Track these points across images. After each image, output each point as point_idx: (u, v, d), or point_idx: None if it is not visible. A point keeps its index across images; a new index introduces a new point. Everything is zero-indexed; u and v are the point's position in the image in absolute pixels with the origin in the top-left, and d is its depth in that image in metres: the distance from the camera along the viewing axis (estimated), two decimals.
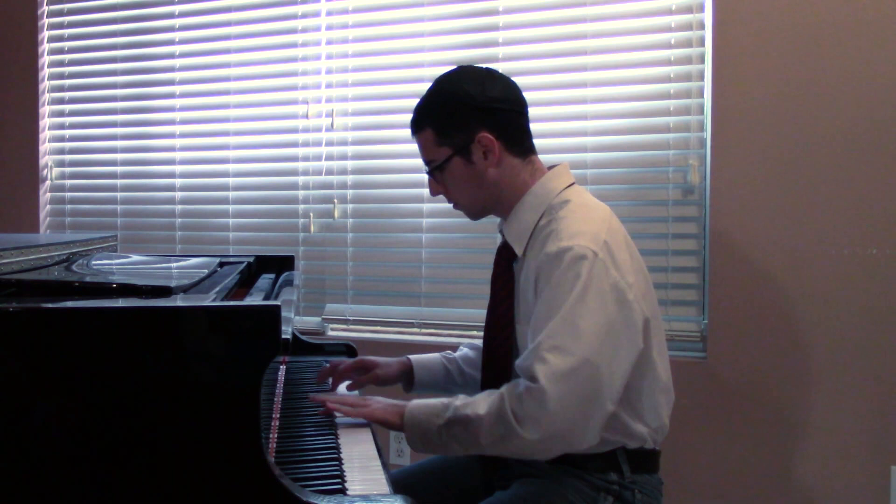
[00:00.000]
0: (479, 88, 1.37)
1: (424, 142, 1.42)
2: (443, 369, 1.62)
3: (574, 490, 1.33)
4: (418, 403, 1.30)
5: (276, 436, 1.27)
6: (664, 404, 1.36)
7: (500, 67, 2.29)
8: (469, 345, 1.66)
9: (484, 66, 1.45)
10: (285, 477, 0.96)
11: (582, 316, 1.21)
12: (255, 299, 1.37)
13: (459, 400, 1.27)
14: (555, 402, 1.17)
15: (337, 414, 1.38)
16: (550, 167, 1.43)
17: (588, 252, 1.24)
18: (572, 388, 1.18)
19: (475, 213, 1.47)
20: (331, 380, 1.63)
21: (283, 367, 1.64)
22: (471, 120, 1.36)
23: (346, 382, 1.63)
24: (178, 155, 2.79)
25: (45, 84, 2.95)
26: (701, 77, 2.17)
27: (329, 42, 2.59)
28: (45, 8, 2.94)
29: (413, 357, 1.62)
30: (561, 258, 1.25)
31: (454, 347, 1.69)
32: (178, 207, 2.79)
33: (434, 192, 1.46)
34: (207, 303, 1.09)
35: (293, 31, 2.61)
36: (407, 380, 1.62)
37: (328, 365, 1.65)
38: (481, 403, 1.24)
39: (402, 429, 1.29)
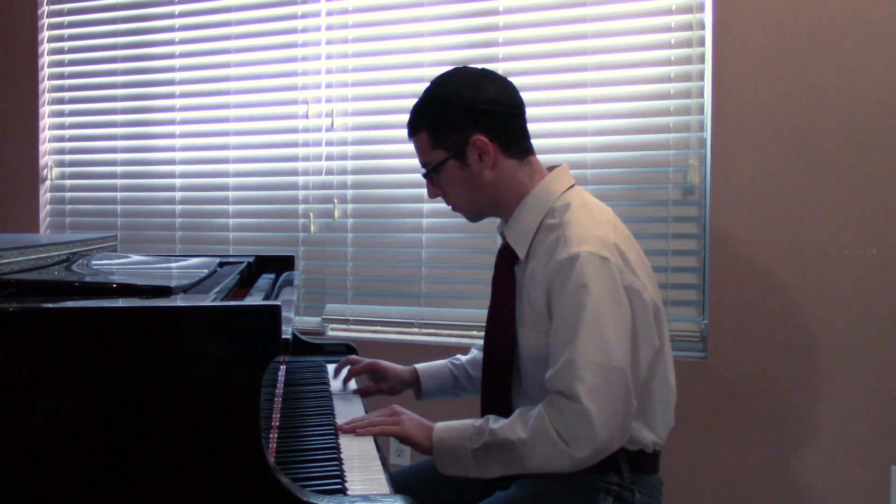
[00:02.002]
0: (473, 90, 1.36)
1: (420, 145, 1.41)
2: (450, 375, 1.62)
3: (574, 491, 1.33)
4: (445, 426, 1.30)
5: (276, 436, 1.27)
6: (671, 400, 1.37)
7: (499, 67, 2.32)
8: (479, 346, 1.65)
9: (481, 66, 1.44)
10: (285, 477, 0.96)
11: (606, 326, 1.22)
12: (255, 299, 1.37)
13: (491, 422, 1.27)
14: (598, 419, 1.18)
15: (337, 413, 1.37)
16: (550, 168, 1.43)
17: (599, 259, 1.24)
18: (611, 399, 1.20)
19: (473, 216, 1.47)
20: (345, 371, 1.65)
21: (283, 367, 1.64)
22: (465, 122, 1.36)
23: (354, 387, 1.64)
24: (178, 155, 2.79)
25: (45, 84, 2.95)
26: (701, 77, 2.17)
27: (329, 42, 2.59)
28: (45, 8, 2.94)
29: (420, 367, 1.64)
30: (572, 266, 1.24)
31: (454, 347, 1.69)
32: (178, 207, 2.79)
33: (432, 195, 1.46)
34: (207, 303, 1.09)
35: (293, 31, 2.61)
36: (416, 389, 1.63)
37: (343, 360, 1.68)
38: (518, 426, 1.24)
39: (431, 452, 1.30)
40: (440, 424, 1.31)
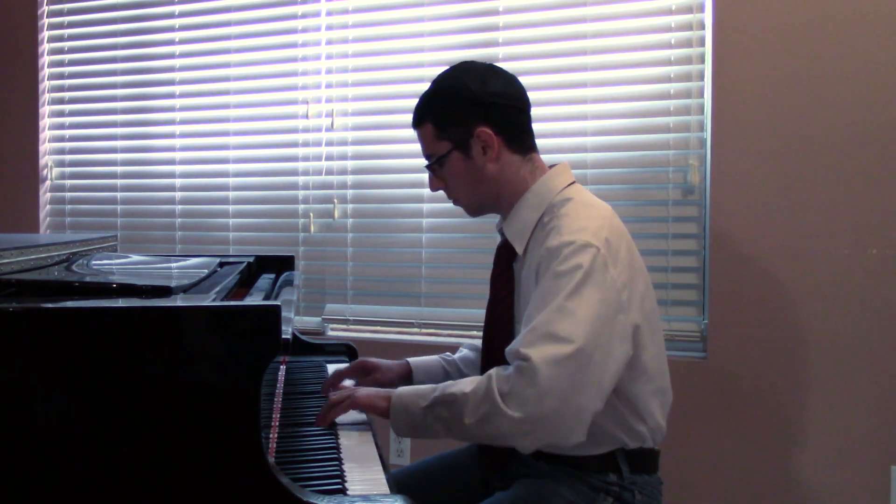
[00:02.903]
0: (480, 83, 1.37)
1: (425, 136, 1.42)
2: (442, 371, 1.62)
3: (573, 491, 1.33)
4: (406, 388, 1.30)
5: (276, 436, 1.27)
6: (657, 406, 1.35)
7: None
8: (469, 346, 1.66)
9: (488, 62, 1.44)
10: (285, 477, 0.96)
11: (579, 304, 1.19)
12: (255, 299, 1.37)
13: (448, 382, 1.25)
14: (545, 382, 1.13)
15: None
16: (551, 166, 1.43)
17: (589, 246, 1.23)
18: (564, 373, 1.15)
19: (474, 210, 1.47)
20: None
21: (283, 367, 1.64)
22: (470, 114, 1.36)
23: (350, 383, 1.64)
24: (178, 155, 2.79)
25: (45, 84, 2.95)
26: (701, 77, 2.17)
27: (329, 42, 2.59)
28: (45, 8, 2.94)
29: (412, 360, 1.63)
30: (561, 251, 1.24)
31: (454, 348, 1.69)
32: (178, 207, 2.79)
33: (434, 188, 1.46)
34: (207, 303, 1.09)
35: (293, 31, 2.61)
36: (407, 383, 1.63)
37: (331, 374, 1.66)
38: (468, 383, 1.22)
39: (388, 413, 1.27)
40: (402, 387, 1.31)
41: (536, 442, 1.19)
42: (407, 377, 1.62)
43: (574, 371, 1.16)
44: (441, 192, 1.46)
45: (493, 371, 1.20)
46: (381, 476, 1.13)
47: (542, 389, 1.14)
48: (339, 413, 1.32)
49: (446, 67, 1.45)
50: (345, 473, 1.12)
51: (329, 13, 2.58)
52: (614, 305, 1.23)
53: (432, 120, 1.40)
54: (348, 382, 1.66)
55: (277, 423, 1.34)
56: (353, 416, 1.37)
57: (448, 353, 1.65)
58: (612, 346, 1.22)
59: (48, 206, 2.97)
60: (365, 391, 1.32)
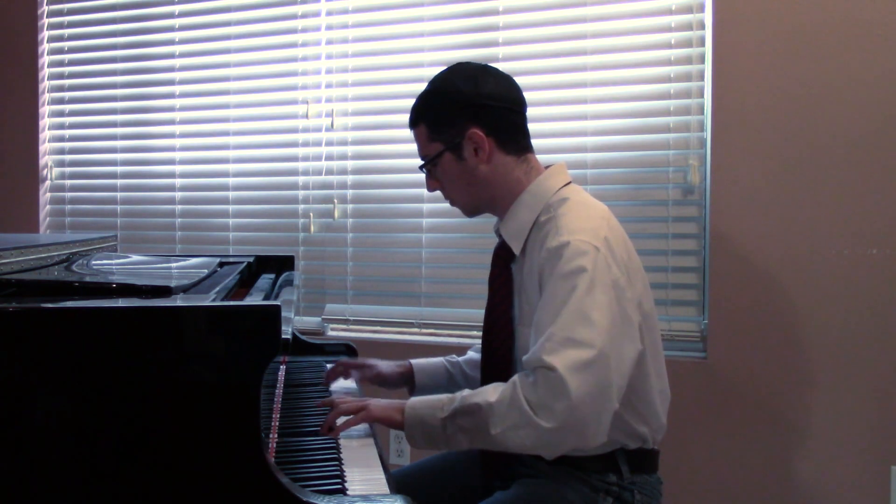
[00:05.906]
0: (472, 84, 1.37)
1: (419, 137, 1.43)
2: (444, 372, 1.62)
3: (574, 491, 1.33)
4: (419, 399, 1.28)
5: (276, 436, 1.27)
6: (660, 405, 1.36)
7: (499, 68, 2.30)
8: (476, 348, 1.65)
9: (484, 63, 1.44)
10: (285, 477, 0.96)
11: (592, 308, 1.19)
12: (255, 299, 1.37)
13: (466, 391, 1.24)
14: (575, 392, 1.13)
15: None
16: (547, 167, 1.43)
17: (590, 247, 1.23)
18: (589, 380, 1.15)
19: (470, 211, 1.47)
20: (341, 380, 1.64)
21: (283, 367, 1.64)
22: (461, 116, 1.37)
23: (353, 384, 1.65)
24: (178, 155, 2.79)
25: (45, 84, 2.95)
26: (701, 77, 2.17)
27: (329, 42, 2.59)
28: (45, 8, 2.94)
29: (414, 361, 1.63)
30: (562, 252, 1.24)
31: (454, 348, 1.69)
32: (178, 207, 2.79)
33: (430, 189, 1.47)
34: (207, 303, 1.09)
35: (293, 31, 2.61)
36: (409, 384, 1.63)
37: (333, 366, 1.66)
38: (491, 392, 1.20)
39: (403, 426, 1.26)
40: (414, 398, 1.29)
41: (563, 449, 1.20)
42: (408, 376, 1.62)
43: (597, 376, 1.16)
44: (440, 193, 1.47)
45: (516, 379, 1.19)
46: (381, 476, 1.14)
47: (572, 401, 1.13)
48: (351, 425, 1.28)
49: (444, 68, 1.45)
50: (345, 473, 1.13)
51: (329, 13, 2.58)
52: (620, 305, 1.23)
53: (425, 122, 1.41)
54: (346, 383, 1.67)
55: (277, 423, 1.34)
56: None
57: (454, 356, 1.65)
58: (624, 347, 1.23)
59: (48, 206, 2.97)
60: (378, 403, 1.29)
